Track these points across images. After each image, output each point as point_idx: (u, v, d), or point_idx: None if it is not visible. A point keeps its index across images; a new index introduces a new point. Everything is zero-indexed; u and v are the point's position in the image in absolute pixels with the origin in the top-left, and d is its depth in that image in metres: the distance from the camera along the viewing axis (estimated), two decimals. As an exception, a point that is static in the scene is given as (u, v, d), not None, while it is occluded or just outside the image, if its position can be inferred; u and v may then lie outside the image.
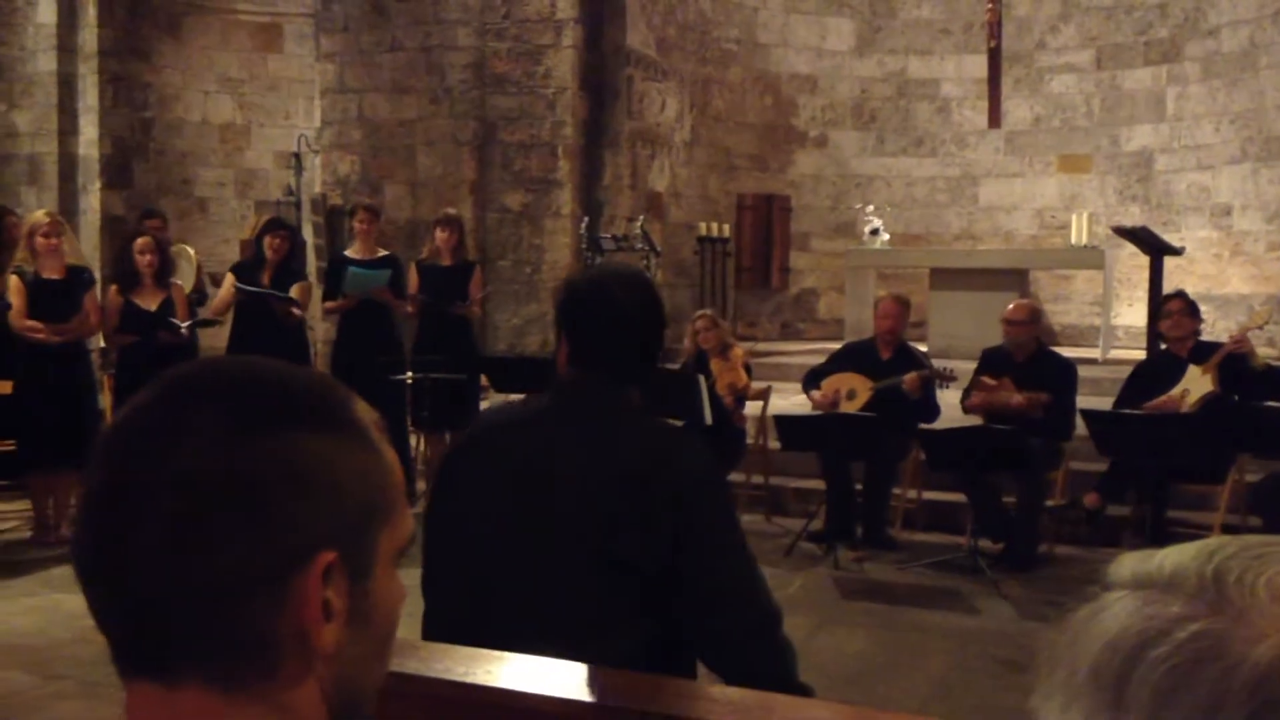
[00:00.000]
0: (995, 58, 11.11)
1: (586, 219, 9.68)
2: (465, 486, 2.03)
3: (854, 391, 6.78)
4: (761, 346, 10.71)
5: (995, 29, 11.05)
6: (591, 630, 1.72)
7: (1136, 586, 0.62)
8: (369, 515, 0.80)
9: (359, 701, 0.82)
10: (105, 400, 7.26)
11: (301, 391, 0.81)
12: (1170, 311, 6.49)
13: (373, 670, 0.83)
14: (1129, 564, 0.64)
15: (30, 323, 6.37)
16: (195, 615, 0.74)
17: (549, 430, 2.01)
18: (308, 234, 10.52)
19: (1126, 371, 6.96)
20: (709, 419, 6.46)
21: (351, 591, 0.78)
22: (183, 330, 6.81)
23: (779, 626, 1.92)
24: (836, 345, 8.16)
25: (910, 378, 6.57)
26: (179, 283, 7.15)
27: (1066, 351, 7.29)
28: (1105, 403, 6.71)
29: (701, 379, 6.58)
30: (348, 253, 7.71)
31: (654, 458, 1.92)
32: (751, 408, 7.26)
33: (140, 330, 6.72)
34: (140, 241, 6.90)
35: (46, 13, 10.11)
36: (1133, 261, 10.87)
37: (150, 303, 6.80)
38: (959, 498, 6.48)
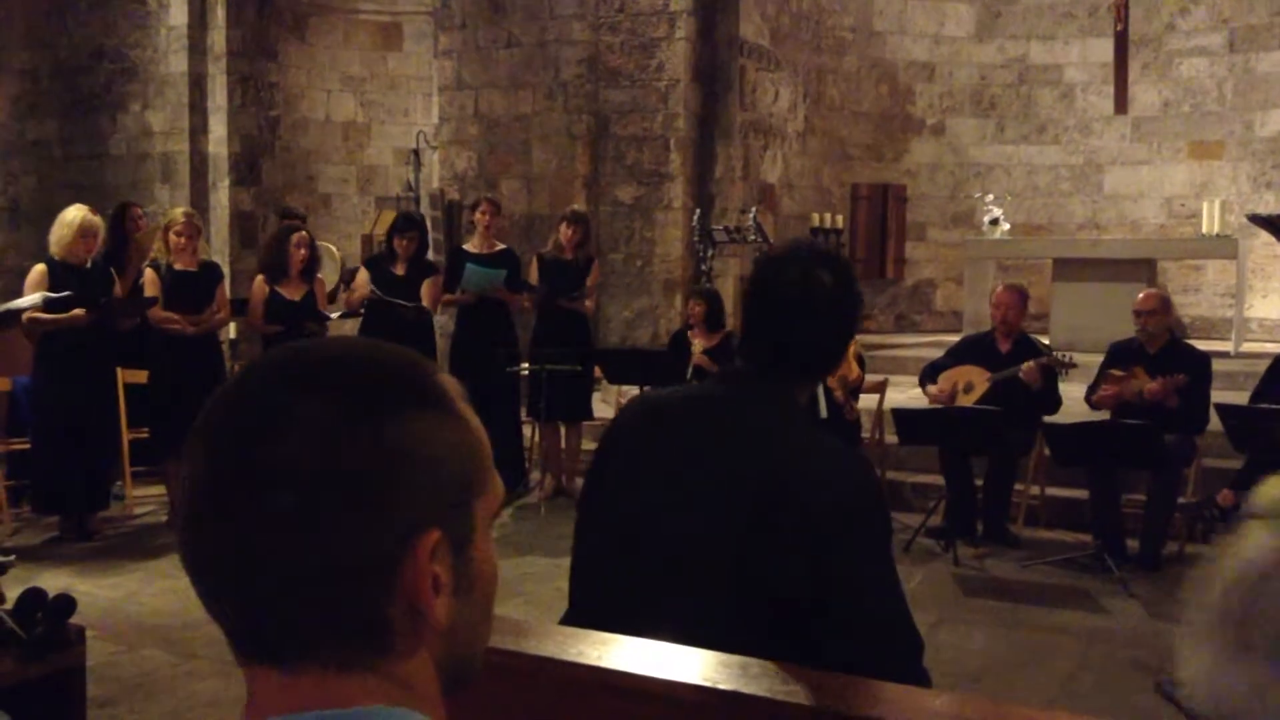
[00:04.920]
0: (1122, 41, 10.78)
1: (698, 211, 9.67)
2: (609, 474, 1.91)
3: (971, 384, 6.63)
4: (876, 339, 10.57)
5: (1122, 12, 10.72)
6: (722, 647, 1.64)
7: (1272, 515, 0.59)
8: (466, 487, 0.81)
9: (469, 662, 0.84)
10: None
11: (395, 373, 0.81)
12: None
13: (480, 633, 0.85)
14: (1270, 491, 0.61)
15: (167, 314, 6.62)
16: (308, 603, 0.76)
17: (697, 425, 1.83)
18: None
19: (1260, 365, 6.69)
20: (824, 412, 6.39)
21: (455, 563, 0.80)
22: (329, 320, 7.00)
23: (919, 660, 1.77)
24: (953, 338, 8.01)
25: (1028, 366, 6.40)
26: (321, 277, 7.33)
27: (1197, 344, 7.03)
28: (1238, 397, 6.46)
29: (817, 372, 6.50)
30: (466, 246, 7.80)
31: (802, 473, 1.72)
32: (867, 401, 7.16)
33: (285, 320, 6.92)
34: (297, 236, 7.08)
35: (178, 15, 10.49)
36: (1267, 251, 10.46)
37: (294, 294, 7.00)
38: (1084, 494, 6.30)
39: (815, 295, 1.81)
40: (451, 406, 0.82)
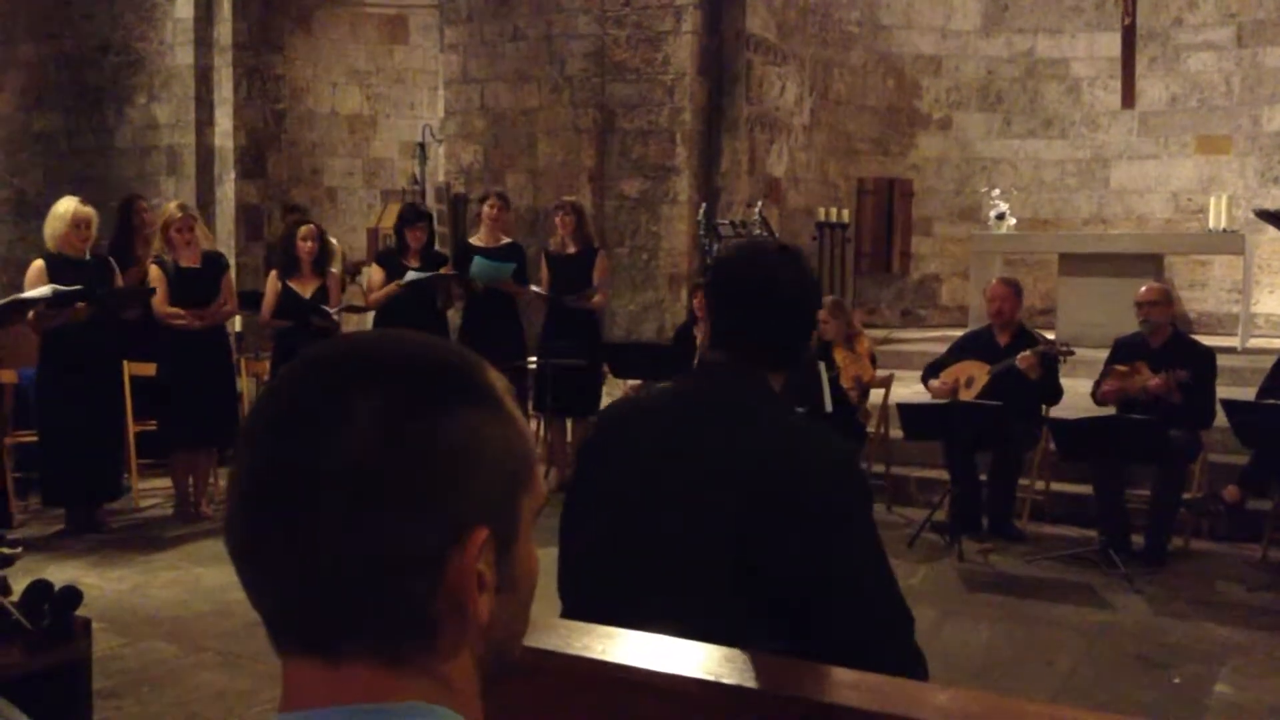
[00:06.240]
0: (1129, 35, 10.75)
1: (704, 205, 9.66)
2: (594, 475, 1.94)
3: (972, 379, 6.64)
4: (881, 333, 10.56)
5: (1130, 5, 10.68)
6: (717, 639, 1.64)
7: None
8: (513, 485, 0.81)
9: (505, 658, 0.84)
10: (242, 383, 7.51)
11: (446, 369, 0.81)
12: None
13: (517, 630, 0.85)
14: None
15: (172, 310, 6.62)
16: (354, 597, 0.75)
17: (679, 420, 1.86)
18: (430, 222, 10.73)
19: (1267, 361, 6.68)
20: (829, 406, 6.39)
21: (500, 561, 0.79)
22: (334, 316, 7.01)
23: (911, 634, 1.81)
24: (959, 332, 8.01)
25: (1024, 356, 6.41)
26: (335, 271, 7.32)
27: (1203, 340, 7.02)
28: (1244, 393, 6.45)
29: (822, 366, 6.52)
30: (472, 240, 7.80)
31: (789, 460, 1.76)
32: (873, 396, 7.17)
33: (295, 315, 6.92)
34: (304, 229, 7.10)
35: (184, 8, 10.49)
36: (1274, 246, 10.44)
37: (306, 289, 7.01)
38: (1089, 489, 6.29)
39: (777, 290, 1.89)
40: (500, 404, 0.81)
